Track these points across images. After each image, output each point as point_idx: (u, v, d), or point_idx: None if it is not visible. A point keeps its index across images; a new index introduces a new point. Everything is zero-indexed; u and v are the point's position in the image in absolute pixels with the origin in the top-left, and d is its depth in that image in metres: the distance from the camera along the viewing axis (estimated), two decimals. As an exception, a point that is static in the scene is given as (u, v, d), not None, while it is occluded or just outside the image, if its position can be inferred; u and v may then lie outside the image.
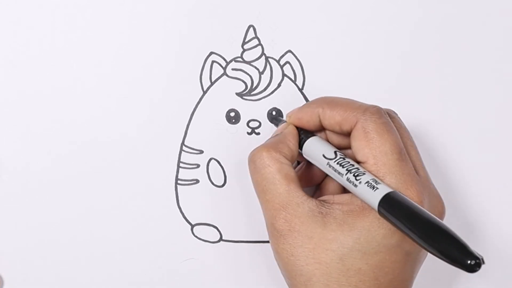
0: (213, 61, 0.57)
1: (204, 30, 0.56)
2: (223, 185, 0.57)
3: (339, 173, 0.49)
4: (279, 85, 0.57)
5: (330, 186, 0.54)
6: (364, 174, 0.48)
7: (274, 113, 0.57)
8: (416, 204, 0.46)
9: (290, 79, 0.57)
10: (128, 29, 0.56)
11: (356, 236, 0.48)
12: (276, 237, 0.50)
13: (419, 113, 0.58)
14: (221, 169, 0.57)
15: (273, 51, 0.57)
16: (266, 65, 0.57)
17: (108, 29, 0.56)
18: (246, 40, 0.57)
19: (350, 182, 0.49)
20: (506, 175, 0.58)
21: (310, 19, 0.57)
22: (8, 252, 0.56)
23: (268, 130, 0.57)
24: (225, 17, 0.57)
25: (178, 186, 0.57)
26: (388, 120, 0.50)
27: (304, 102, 0.57)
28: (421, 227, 0.44)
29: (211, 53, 0.57)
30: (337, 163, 0.50)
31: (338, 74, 0.57)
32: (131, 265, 0.56)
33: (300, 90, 0.57)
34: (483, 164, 0.58)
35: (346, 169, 0.49)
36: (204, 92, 0.57)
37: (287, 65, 0.57)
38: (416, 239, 0.44)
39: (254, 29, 0.57)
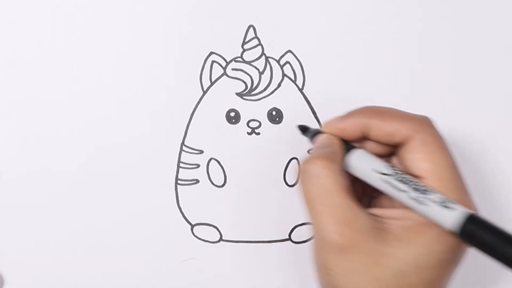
0: (213, 61, 0.57)
1: (204, 30, 0.56)
2: (223, 185, 0.57)
3: (398, 189, 0.47)
4: (279, 85, 0.57)
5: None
6: (431, 191, 0.46)
7: (274, 113, 0.57)
8: (494, 223, 0.45)
9: (290, 79, 0.57)
10: (128, 29, 0.56)
11: (415, 252, 0.46)
12: (330, 253, 0.47)
13: (420, 113, 0.58)
14: (221, 169, 0.57)
15: (273, 51, 0.57)
16: (266, 65, 0.57)
17: (108, 29, 0.56)
18: (246, 40, 0.57)
19: (414, 199, 0.47)
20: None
21: (310, 19, 0.57)
22: (8, 252, 0.56)
23: (268, 130, 0.57)
24: (225, 17, 0.57)
25: (178, 186, 0.57)
26: (440, 132, 0.49)
27: (304, 102, 0.57)
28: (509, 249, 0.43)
29: (211, 53, 0.57)
30: (395, 179, 0.48)
31: (338, 74, 0.57)
32: (131, 265, 0.56)
33: (300, 90, 0.57)
34: (497, 165, 0.58)
35: (409, 186, 0.47)
36: (204, 92, 0.57)
37: (287, 65, 0.57)
38: (505, 262, 0.43)
39: (254, 29, 0.57)
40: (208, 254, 0.57)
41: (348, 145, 0.50)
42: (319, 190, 0.48)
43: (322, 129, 0.51)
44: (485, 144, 0.58)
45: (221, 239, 0.57)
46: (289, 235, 0.57)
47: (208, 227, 0.57)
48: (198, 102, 0.57)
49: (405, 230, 0.47)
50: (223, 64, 0.57)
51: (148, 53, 0.56)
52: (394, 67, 0.57)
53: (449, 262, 0.47)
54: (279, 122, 0.57)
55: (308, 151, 0.57)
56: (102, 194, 0.56)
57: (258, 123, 0.57)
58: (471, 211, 0.46)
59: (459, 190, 0.47)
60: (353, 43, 0.57)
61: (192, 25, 0.56)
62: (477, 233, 0.45)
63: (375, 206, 0.52)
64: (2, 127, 0.56)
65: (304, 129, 0.54)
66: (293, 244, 0.57)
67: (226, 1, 0.57)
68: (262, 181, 0.57)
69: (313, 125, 0.57)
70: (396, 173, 0.48)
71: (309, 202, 0.48)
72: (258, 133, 0.57)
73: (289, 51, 0.57)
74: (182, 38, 0.56)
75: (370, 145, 0.51)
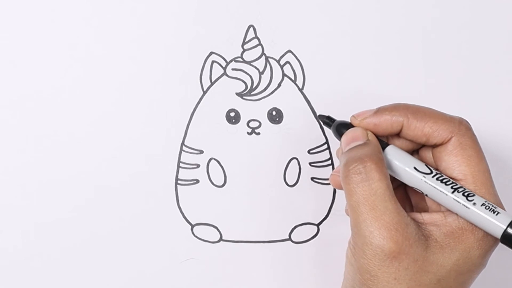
0: (213, 61, 0.57)
1: (204, 30, 0.56)
2: (223, 185, 0.57)
3: (440, 190, 0.47)
4: (279, 85, 0.57)
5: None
6: (474, 194, 0.46)
7: (274, 113, 0.57)
8: None
9: (290, 79, 0.57)
10: (128, 30, 0.56)
11: (455, 258, 0.47)
12: (377, 258, 0.47)
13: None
14: (221, 169, 0.57)
15: (273, 51, 0.57)
16: (266, 65, 0.57)
17: (108, 30, 0.56)
18: (246, 40, 0.57)
19: (458, 202, 0.47)
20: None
21: (310, 19, 0.57)
22: (7, 252, 0.56)
23: (268, 130, 0.57)
24: (225, 17, 0.57)
25: (178, 186, 0.57)
26: (476, 135, 0.49)
27: (304, 102, 0.57)
28: None
29: (211, 53, 0.57)
30: (437, 179, 0.47)
31: (338, 74, 0.57)
32: (131, 265, 0.56)
33: (300, 90, 0.57)
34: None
35: (452, 187, 0.47)
36: (204, 92, 0.57)
37: (287, 65, 0.57)
38: None
39: (254, 29, 0.57)
40: (208, 254, 0.57)
41: (382, 142, 0.50)
42: (371, 194, 0.47)
43: (354, 123, 0.50)
44: (490, 142, 0.58)
45: (221, 239, 0.57)
46: (289, 235, 0.57)
47: (208, 227, 0.57)
48: (198, 102, 0.57)
49: (446, 237, 0.47)
50: (223, 64, 0.57)
51: (149, 53, 0.56)
52: (394, 67, 0.57)
53: (482, 265, 0.48)
54: (279, 122, 0.57)
55: (309, 151, 0.57)
56: (102, 194, 0.56)
57: (258, 123, 0.57)
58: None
59: (493, 195, 0.48)
60: (353, 43, 0.57)
61: (192, 25, 0.56)
62: None
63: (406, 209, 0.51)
64: (2, 128, 0.56)
65: (327, 120, 0.52)
66: (293, 244, 0.57)
67: (226, 1, 0.57)
68: (262, 181, 0.57)
69: (313, 125, 0.57)
70: (438, 173, 0.48)
71: (358, 205, 0.47)
72: (258, 133, 0.57)
73: (289, 51, 0.57)
74: (182, 38, 0.56)
75: (395, 142, 0.51)
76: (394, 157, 0.49)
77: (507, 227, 0.45)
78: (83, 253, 0.56)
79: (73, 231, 0.56)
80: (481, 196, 0.47)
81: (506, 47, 0.58)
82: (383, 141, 0.50)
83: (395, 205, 0.47)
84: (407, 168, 0.48)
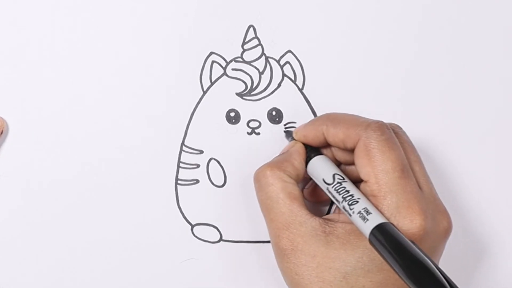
0: (213, 61, 0.57)
1: (204, 30, 0.57)
2: (223, 185, 0.57)
3: (336, 199, 0.50)
4: (279, 85, 0.57)
5: None
6: (357, 202, 0.48)
7: (274, 113, 0.57)
8: (405, 238, 0.45)
9: (290, 79, 0.57)
10: (128, 29, 0.56)
11: (358, 255, 0.48)
12: (280, 256, 0.50)
13: (420, 115, 0.58)
14: (221, 169, 0.57)
15: (273, 51, 0.57)
16: (266, 65, 0.57)
17: (108, 29, 0.56)
18: (246, 40, 0.57)
19: (345, 210, 0.49)
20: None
21: (310, 19, 0.57)
22: (6, 252, 0.56)
23: (268, 130, 0.57)
24: (225, 17, 0.57)
25: (178, 186, 0.57)
26: (391, 135, 0.50)
27: (304, 102, 0.57)
28: (405, 263, 0.44)
29: (211, 53, 0.57)
30: (335, 189, 0.50)
31: (338, 74, 0.57)
32: (131, 265, 0.56)
33: (300, 90, 0.57)
34: (494, 178, 0.58)
35: (342, 197, 0.49)
36: (204, 92, 0.57)
37: (287, 65, 0.57)
38: (400, 274, 0.44)
39: (254, 29, 0.57)
40: (208, 254, 0.57)
41: (314, 152, 0.53)
42: (266, 198, 0.51)
43: (293, 134, 0.54)
44: (498, 156, 0.58)
45: (221, 239, 0.57)
46: (289, 235, 0.57)
47: (208, 227, 0.57)
48: (198, 102, 0.57)
49: (348, 233, 0.49)
50: (223, 64, 0.57)
51: (149, 53, 0.56)
52: (393, 67, 0.58)
53: None
54: (279, 122, 0.57)
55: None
56: (102, 194, 0.56)
57: (258, 123, 0.57)
58: (379, 222, 0.46)
59: (397, 193, 0.48)
60: (353, 43, 0.57)
61: (192, 25, 0.56)
62: (379, 243, 0.46)
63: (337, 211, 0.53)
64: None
65: (288, 136, 0.56)
66: (293, 244, 0.57)
67: (226, 2, 0.57)
68: (262, 181, 0.57)
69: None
70: (338, 183, 0.50)
71: (261, 209, 0.52)
72: (258, 133, 0.57)
73: (289, 51, 0.57)
74: (182, 38, 0.56)
75: (336, 151, 0.53)
76: (312, 169, 0.52)
77: (371, 232, 0.46)
78: (82, 253, 0.56)
79: (72, 231, 0.56)
80: (382, 196, 0.48)
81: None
82: (320, 152, 0.53)
83: (289, 206, 0.50)
84: (318, 179, 0.52)
